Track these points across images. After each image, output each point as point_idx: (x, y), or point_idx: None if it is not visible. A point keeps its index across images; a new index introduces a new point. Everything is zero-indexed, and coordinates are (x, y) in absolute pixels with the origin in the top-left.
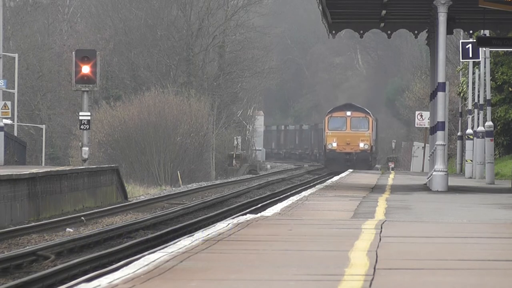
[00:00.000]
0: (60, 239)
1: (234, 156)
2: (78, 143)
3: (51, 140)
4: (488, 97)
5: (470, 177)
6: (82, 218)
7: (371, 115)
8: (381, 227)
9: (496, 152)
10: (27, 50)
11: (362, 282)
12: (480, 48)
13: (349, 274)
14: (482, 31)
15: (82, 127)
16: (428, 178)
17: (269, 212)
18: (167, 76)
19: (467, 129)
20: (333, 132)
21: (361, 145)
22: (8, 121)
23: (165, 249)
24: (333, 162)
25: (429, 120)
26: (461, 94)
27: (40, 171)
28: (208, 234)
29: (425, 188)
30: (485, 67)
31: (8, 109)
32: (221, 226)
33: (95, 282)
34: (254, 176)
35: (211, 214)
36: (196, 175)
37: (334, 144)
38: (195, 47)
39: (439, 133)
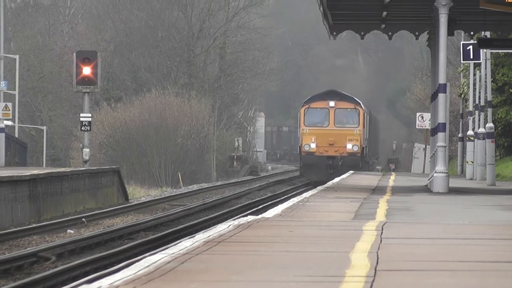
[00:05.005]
0: (61, 240)
1: (235, 157)
2: (79, 144)
3: (52, 142)
4: (489, 99)
5: (471, 179)
6: (83, 219)
7: (362, 106)
8: (382, 229)
9: (497, 153)
10: (28, 51)
11: (363, 283)
12: (481, 50)
13: (350, 276)
14: (483, 32)
15: (83, 128)
16: (429, 179)
17: (270, 213)
18: (168, 78)
19: (468, 130)
20: (311, 129)
21: (349, 146)
22: (9, 123)
23: (166, 250)
24: (311, 169)
25: (430, 122)
26: (462, 96)
27: (41, 172)
28: (209, 236)
29: (426, 189)
30: (486, 68)
31: (9, 110)
32: (222, 228)
33: (96, 284)
34: (255, 177)
35: (212, 216)
36: (197, 177)
37: (313, 145)
38: (196, 49)
39: (440, 135)
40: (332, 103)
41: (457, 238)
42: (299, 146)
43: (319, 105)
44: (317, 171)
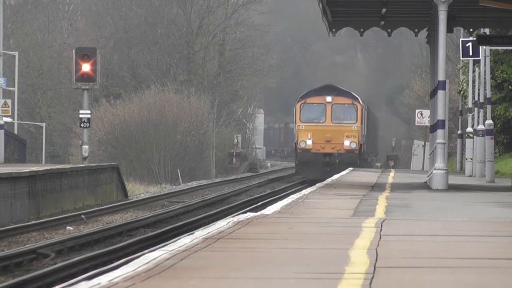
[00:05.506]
0: (60, 237)
1: (234, 154)
2: (78, 141)
3: (51, 138)
4: (488, 95)
5: (470, 176)
6: (82, 216)
7: (360, 101)
8: (381, 225)
9: (496, 150)
10: (27, 48)
11: (362, 280)
12: (480, 46)
13: (349, 273)
14: (482, 29)
15: (82, 125)
16: (428, 176)
17: (269, 210)
18: (167, 74)
19: (467, 127)
20: (307, 125)
21: (347, 143)
22: (8, 119)
23: (165, 247)
24: (307, 167)
25: (429, 118)
26: (461, 92)
27: (40, 169)
28: (208, 232)
29: (425, 186)
30: (485, 65)
31: (8, 107)
32: (221, 224)
33: (95, 281)
34: (254, 174)
35: (211, 212)
36: (196, 173)
37: (309, 142)
38: (195, 45)
39: (439, 132)
40: (329, 98)
41: (456, 235)
42: (295, 143)
43: (316, 100)
44: (313, 168)
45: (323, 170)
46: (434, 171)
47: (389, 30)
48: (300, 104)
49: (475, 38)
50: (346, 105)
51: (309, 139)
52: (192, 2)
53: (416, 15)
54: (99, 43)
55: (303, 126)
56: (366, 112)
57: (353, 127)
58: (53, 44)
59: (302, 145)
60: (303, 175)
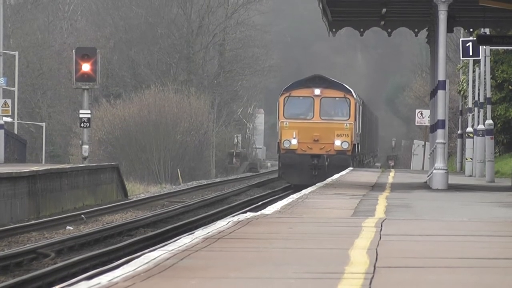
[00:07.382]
0: (60, 237)
1: (234, 154)
2: (78, 141)
3: (51, 138)
4: (488, 95)
5: (470, 175)
6: (82, 216)
7: (354, 95)
8: (381, 225)
9: (496, 150)
10: (28, 48)
11: (362, 280)
12: (480, 46)
13: (349, 272)
14: (482, 29)
15: (82, 125)
16: (428, 176)
17: (269, 210)
18: (167, 74)
19: (467, 127)
20: (292, 122)
21: (337, 142)
22: (8, 119)
23: (165, 247)
24: (292, 170)
25: (429, 118)
26: (461, 92)
27: (40, 169)
28: (208, 232)
29: (425, 186)
30: (485, 65)
31: (8, 107)
32: (221, 224)
33: (95, 280)
34: (254, 174)
35: (211, 212)
36: (196, 173)
37: (294, 142)
38: (195, 45)
39: (439, 131)
40: (317, 91)
41: (456, 235)
42: (278, 143)
43: (302, 93)
44: (299, 172)
45: (310, 174)
46: (434, 171)
47: (389, 30)
48: (284, 98)
49: (475, 38)
50: (337, 98)
51: (294, 138)
52: (192, 2)
53: (416, 15)
54: (99, 43)
55: (287, 123)
56: (361, 108)
57: (345, 124)
58: (53, 44)
59: (286, 145)
60: (287, 179)
